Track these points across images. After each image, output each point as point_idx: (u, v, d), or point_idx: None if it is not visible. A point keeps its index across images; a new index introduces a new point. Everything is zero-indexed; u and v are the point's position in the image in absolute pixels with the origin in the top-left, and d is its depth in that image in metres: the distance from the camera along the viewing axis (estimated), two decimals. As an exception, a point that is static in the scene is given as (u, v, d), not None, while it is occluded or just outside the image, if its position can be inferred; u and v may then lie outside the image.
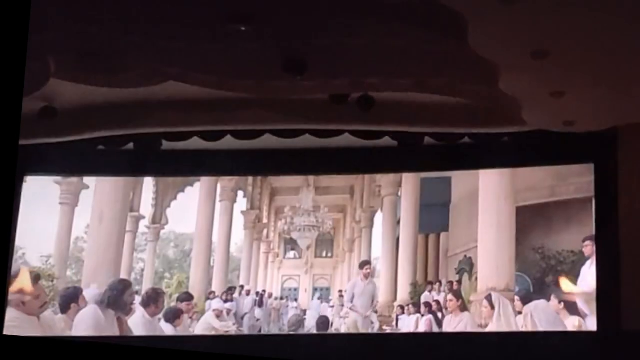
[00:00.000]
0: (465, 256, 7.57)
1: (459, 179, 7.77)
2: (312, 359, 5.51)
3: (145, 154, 6.74)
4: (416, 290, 7.63)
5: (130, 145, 6.64)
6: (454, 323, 6.76)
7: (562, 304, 6.34)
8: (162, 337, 6.37)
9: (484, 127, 6.24)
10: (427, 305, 7.30)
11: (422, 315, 7.25)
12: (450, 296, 7.01)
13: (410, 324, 7.35)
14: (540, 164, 6.69)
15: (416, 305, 7.42)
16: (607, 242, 5.89)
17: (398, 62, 5.43)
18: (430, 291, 7.52)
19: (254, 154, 6.78)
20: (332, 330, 7.42)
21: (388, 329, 7.56)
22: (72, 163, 6.87)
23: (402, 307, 7.61)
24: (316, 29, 5.26)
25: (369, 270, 7.70)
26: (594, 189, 6.24)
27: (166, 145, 6.69)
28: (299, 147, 6.63)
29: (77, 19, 5.00)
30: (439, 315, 7.13)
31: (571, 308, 6.30)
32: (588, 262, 6.42)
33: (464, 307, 6.88)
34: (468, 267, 7.48)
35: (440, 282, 7.63)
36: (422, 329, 7.14)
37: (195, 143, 6.54)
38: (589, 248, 6.42)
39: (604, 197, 6.06)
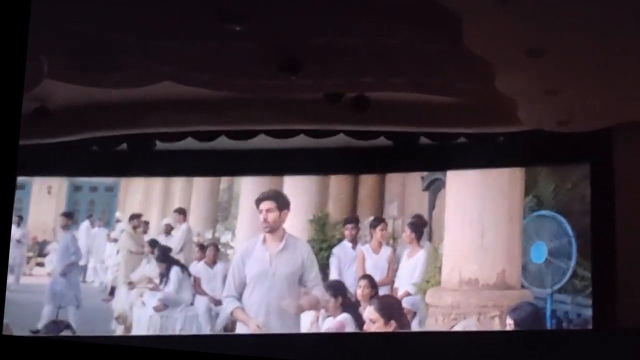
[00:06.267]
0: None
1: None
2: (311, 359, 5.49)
3: (139, 155, 6.71)
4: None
5: (124, 146, 6.61)
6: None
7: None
8: (164, 336, 6.34)
9: (480, 126, 6.23)
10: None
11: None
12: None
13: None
14: (536, 164, 6.68)
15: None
16: (604, 241, 5.89)
17: (393, 61, 5.43)
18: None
19: (249, 155, 6.74)
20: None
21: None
22: (65, 164, 6.82)
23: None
24: (311, 29, 5.26)
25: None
26: (590, 188, 6.24)
27: (160, 145, 6.65)
28: (294, 147, 6.61)
29: (70, 18, 4.99)
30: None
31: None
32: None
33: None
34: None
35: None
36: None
37: (190, 143, 6.51)
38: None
39: (600, 197, 6.06)
